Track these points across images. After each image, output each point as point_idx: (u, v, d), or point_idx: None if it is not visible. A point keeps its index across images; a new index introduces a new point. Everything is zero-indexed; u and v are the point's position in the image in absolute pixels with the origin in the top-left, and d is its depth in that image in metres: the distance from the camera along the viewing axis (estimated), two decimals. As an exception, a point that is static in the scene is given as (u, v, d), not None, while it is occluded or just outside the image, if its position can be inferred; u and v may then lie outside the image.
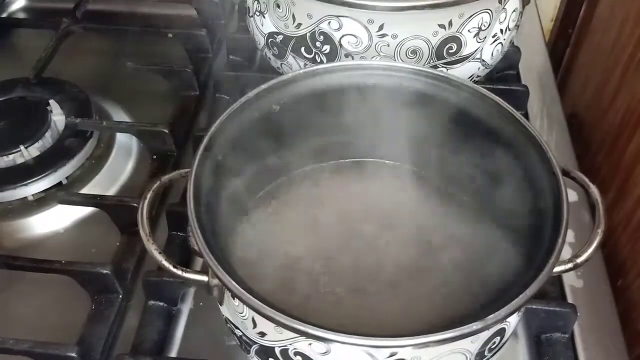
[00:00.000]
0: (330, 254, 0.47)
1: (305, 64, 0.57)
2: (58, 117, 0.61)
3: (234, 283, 0.35)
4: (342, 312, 0.43)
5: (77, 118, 0.61)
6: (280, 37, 0.57)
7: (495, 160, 0.46)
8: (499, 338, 0.38)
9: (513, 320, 0.39)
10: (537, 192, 0.41)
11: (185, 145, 0.62)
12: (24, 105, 0.63)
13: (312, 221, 0.49)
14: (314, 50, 0.56)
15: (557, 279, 0.51)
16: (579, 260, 0.39)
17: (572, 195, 0.47)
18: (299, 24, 0.55)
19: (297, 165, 0.52)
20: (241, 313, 0.37)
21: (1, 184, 0.56)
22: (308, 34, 0.55)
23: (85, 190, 0.58)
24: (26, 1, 0.83)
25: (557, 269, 0.37)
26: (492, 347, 0.38)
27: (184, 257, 0.52)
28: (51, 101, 0.62)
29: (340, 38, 0.54)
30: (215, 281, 0.38)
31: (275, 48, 0.59)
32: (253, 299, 0.34)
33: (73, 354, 0.44)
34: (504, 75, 0.67)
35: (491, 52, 0.58)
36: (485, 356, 0.38)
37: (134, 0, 0.79)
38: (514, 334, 0.47)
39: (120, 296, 0.50)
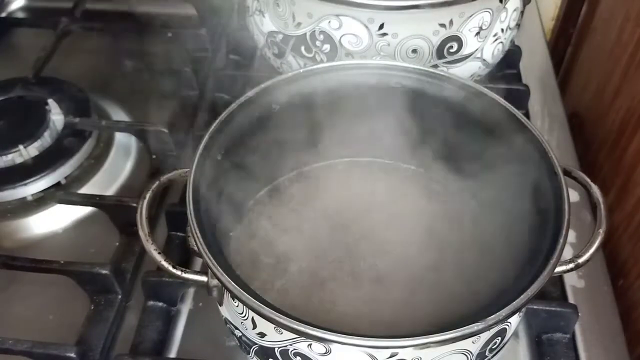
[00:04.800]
0: (330, 254, 0.46)
1: (305, 63, 0.57)
2: (57, 116, 0.61)
3: (233, 284, 0.35)
4: (342, 313, 0.43)
5: (76, 117, 0.61)
6: (280, 36, 0.57)
7: (496, 160, 0.46)
8: (500, 338, 0.38)
9: (514, 321, 0.39)
10: (538, 192, 0.41)
11: (184, 145, 0.62)
12: (23, 104, 0.63)
13: (312, 221, 0.49)
14: (314, 49, 0.56)
15: (558, 279, 0.51)
16: (580, 261, 0.39)
17: (573, 195, 0.47)
18: (299, 23, 0.55)
19: (296, 165, 0.52)
20: (241, 314, 0.37)
21: (0, 183, 0.56)
22: (308, 33, 0.55)
23: (84, 190, 0.58)
24: (25, 0, 0.82)
25: (558, 269, 0.37)
26: (493, 347, 0.38)
27: (184, 257, 0.52)
28: (50, 100, 0.62)
29: (341, 37, 0.54)
30: (215, 282, 0.38)
31: (275, 47, 0.59)
32: (252, 299, 0.34)
33: (72, 354, 0.44)
34: (504, 74, 0.67)
35: (492, 52, 0.58)
36: (487, 356, 0.38)
37: (133, 0, 0.79)
38: (515, 334, 0.47)
39: (120, 296, 0.49)
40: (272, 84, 0.47)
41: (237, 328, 0.39)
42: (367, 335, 0.32)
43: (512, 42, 0.62)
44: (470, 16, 0.54)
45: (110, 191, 0.59)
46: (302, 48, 0.56)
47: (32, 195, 0.57)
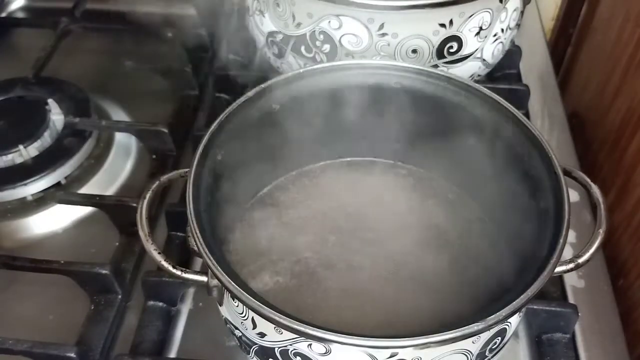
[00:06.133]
0: (330, 254, 0.46)
1: (305, 63, 0.57)
2: (57, 116, 0.61)
3: (233, 284, 0.35)
4: (343, 313, 0.43)
5: (76, 117, 0.61)
6: (280, 36, 0.57)
7: (496, 160, 0.45)
8: (500, 338, 0.38)
9: (514, 321, 0.39)
10: (539, 192, 0.41)
11: (184, 145, 0.62)
12: (23, 104, 0.63)
13: (312, 221, 0.49)
14: (314, 49, 0.56)
15: (559, 279, 0.51)
16: (580, 261, 0.39)
17: (573, 195, 0.47)
18: (299, 23, 0.55)
19: (296, 165, 0.52)
20: (241, 314, 0.37)
21: (0, 183, 0.56)
22: (308, 33, 0.55)
23: (84, 190, 0.58)
24: (25, 0, 0.82)
25: (558, 269, 0.37)
26: (493, 347, 0.38)
27: (184, 257, 0.52)
28: (50, 100, 0.62)
29: (341, 37, 0.54)
30: (215, 282, 0.38)
31: (275, 47, 0.59)
32: (252, 299, 0.34)
33: (72, 354, 0.44)
34: (504, 74, 0.67)
35: (492, 52, 0.58)
36: (487, 356, 0.38)
37: (133, 0, 0.79)
38: (515, 334, 0.47)
39: (120, 296, 0.49)
40: (272, 84, 0.47)
41: (237, 328, 0.39)
42: (367, 335, 0.32)
43: (512, 42, 0.62)
44: (470, 16, 0.54)
45: (110, 191, 0.59)
46: (302, 48, 0.56)
47: (32, 195, 0.57)
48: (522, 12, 0.60)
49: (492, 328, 0.34)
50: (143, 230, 0.39)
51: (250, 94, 0.46)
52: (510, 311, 0.34)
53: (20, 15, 0.81)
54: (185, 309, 0.50)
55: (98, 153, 0.61)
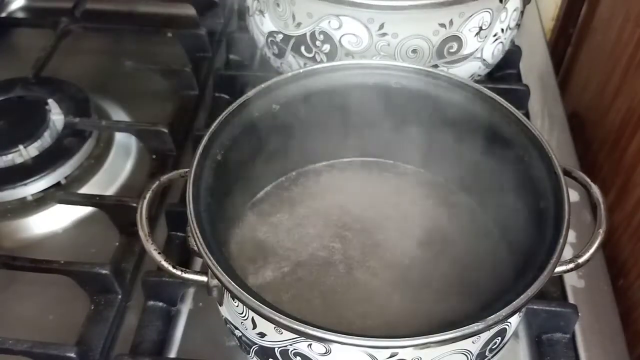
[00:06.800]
0: (330, 254, 0.46)
1: (305, 63, 0.57)
2: (57, 116, 0.61)
3: (233, 284, 0.35)
4: (343, 313, 0.43)
5: (76, 117, 0.61)
6: (280, 36, 0.57)
7: (496, 160, 0.46)
8: (500, 338, 0.38)
9: (514, 321, 0.39)
10: (538, 192, 0.41)
11: (184, 145, 0.62)
12: (23, 104, 0.63)
13: (312, 221, 0.49)
14: (314, 49, 0.56)
15: (559, 279, 0.51)
16: (580, 261, 0.39)
17: (573, 195, 0.47)
18: (299, 23, 0.55)
19: (296, 165, 0.52)
20: (241, 314, 0.37)
21: (0, 183, 0.56)
22: (308, 33, 0.55)
23: (84, 190, 0.58)
24: (25, 0, 0.82)
25: (558, 269, 0.37)
26: (493, 347, 0.38)
27: (184, 257, 0.52)
28: (50, 100, 0.62)
29: (341, 37, 0.54)
30: (215, 282, 0.38)
31: (275, 47, 0.59)
32: (252, 299, 0.34)
33: (72, 354, 0.44)
34: (504, 74, 0.67)
35: (492, 52, 0.58)
36: (487, 356, 0.38)
37: (133, 0, 0.79)
38: (515, 334, 0.47)
39: (120, 296, 0.49)
40: (272, 84, 0.47)
41: (237, 328, 0.39)
42: (367, 335, 0.32)
43: (512, 42, 0.62)
44: (470, 16, 0.54)
45: (110, 191, 0.59)
46: (302, 48, 0.56)
47: (32, 195, 0.57)
48: (522, 12, 0.60)
49: (492, 328, 0.34)
50: (143, 230, 0.39)
51: (250, 94, 0.46)
52: (510, 311, 0.34)
53: (20, 15, 0.81)
54: (185, 309, 0.50)
55: (98, 153, 0.61)
